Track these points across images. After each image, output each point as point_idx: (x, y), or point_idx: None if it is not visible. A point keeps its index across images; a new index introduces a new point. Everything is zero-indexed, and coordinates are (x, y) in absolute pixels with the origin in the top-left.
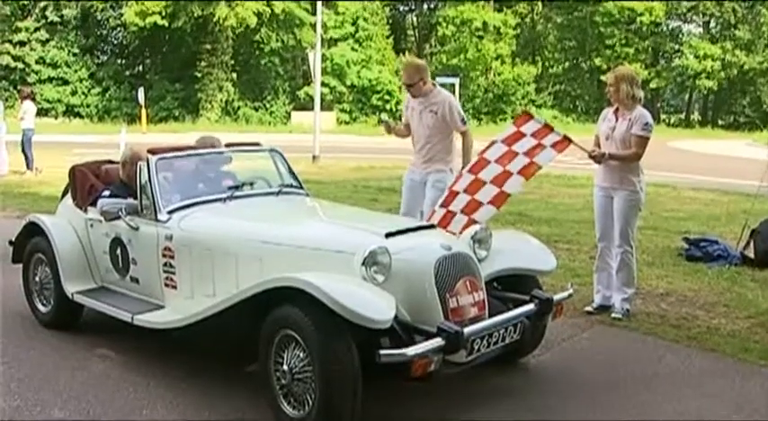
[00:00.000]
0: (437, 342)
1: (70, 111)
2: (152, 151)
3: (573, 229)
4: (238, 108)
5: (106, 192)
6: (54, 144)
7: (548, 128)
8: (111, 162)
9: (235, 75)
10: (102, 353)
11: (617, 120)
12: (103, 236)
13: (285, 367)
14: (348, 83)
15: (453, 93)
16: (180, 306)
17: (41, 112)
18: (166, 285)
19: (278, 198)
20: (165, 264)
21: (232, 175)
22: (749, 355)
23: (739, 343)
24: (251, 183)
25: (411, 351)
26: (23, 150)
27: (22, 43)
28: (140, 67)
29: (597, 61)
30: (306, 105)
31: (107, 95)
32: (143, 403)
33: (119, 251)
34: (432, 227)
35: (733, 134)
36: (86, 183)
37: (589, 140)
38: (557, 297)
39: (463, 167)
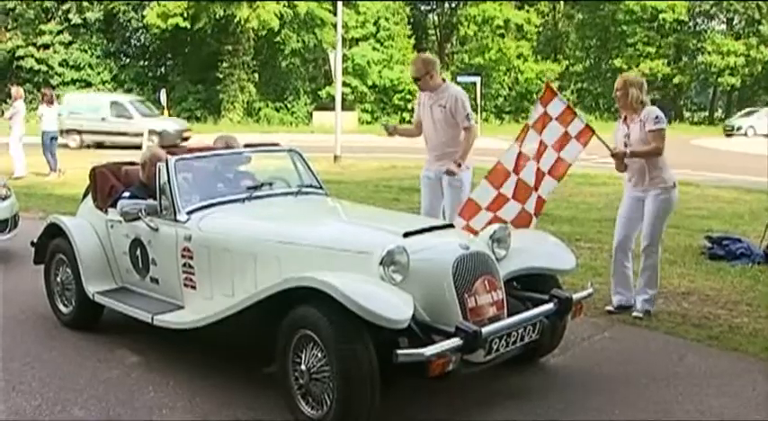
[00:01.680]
0: (455, 341)
1: None
2: (171, 152)
3: (594, 228)
4: (260, 109)
5: (126, 194)
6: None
7: (570, 110)
8: (131, 163)
9: (256, 75)
10: (122, 353)
11: (629, 127)
12: (123, 236)
13: (303, 367)
14: (369, 83)
15: (475, 92)
16: (199, 306)
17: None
18: (186, 285)
19: (297, 198)
20: (185, 265)
21: (251, 176)
22: None
23: (762, 342)
24: (270, 184)
25: (429, 351)
26: (44, 152)
27: (45, 46)
28: (162, 69)
29: (619, 60)
30: (327, 105)
31: None
32: (163, 402)
33: (138, 252)
34: (450, 226)
35: None
36: (107, 185)
37: (609, 139)
38: (576, 296)
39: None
